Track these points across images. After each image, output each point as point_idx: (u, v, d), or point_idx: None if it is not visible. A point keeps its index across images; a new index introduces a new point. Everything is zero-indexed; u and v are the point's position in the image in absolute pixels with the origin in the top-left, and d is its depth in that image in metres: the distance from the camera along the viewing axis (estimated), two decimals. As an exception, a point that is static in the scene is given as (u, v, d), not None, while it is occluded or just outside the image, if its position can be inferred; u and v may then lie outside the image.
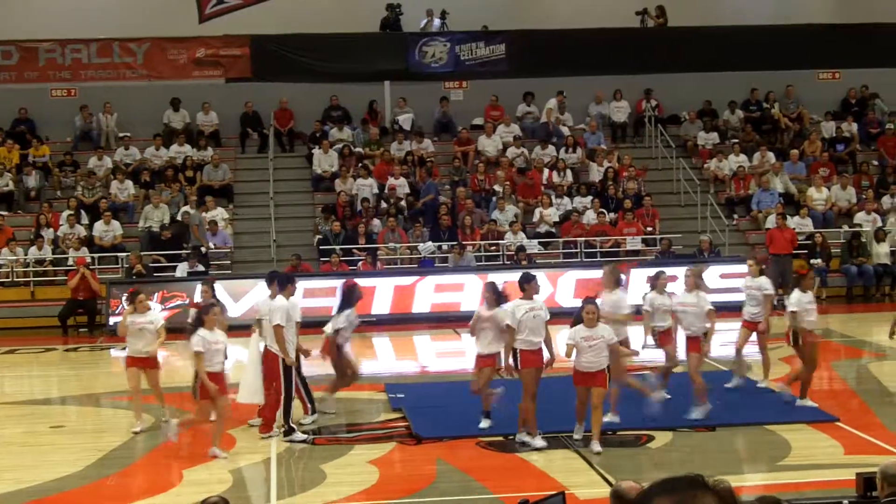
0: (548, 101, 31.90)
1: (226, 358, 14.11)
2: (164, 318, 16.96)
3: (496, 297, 14.39)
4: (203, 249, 26.50)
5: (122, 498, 12.27)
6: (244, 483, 12.73)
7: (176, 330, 17.36)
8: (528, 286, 14.00)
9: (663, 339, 15.83)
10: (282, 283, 15.28)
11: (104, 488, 12.58)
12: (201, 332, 13.66)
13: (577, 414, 13.71)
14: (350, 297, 16.17)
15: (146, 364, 15.25)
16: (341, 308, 16.00)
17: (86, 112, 30.89)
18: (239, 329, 24.08)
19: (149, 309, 15.87)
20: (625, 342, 14.82)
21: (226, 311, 15.67)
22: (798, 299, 15.50)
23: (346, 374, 16.09)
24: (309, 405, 15.55)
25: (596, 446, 13.27)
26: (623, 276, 16.50)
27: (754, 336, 17.28)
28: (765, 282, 17.00)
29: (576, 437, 13.75)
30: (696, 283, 15.78)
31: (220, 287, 24.80)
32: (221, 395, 13.69)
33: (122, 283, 25.30)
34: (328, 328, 15.82)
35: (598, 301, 14.06)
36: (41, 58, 30.48)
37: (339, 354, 15.75)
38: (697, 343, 15.18)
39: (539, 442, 13.54)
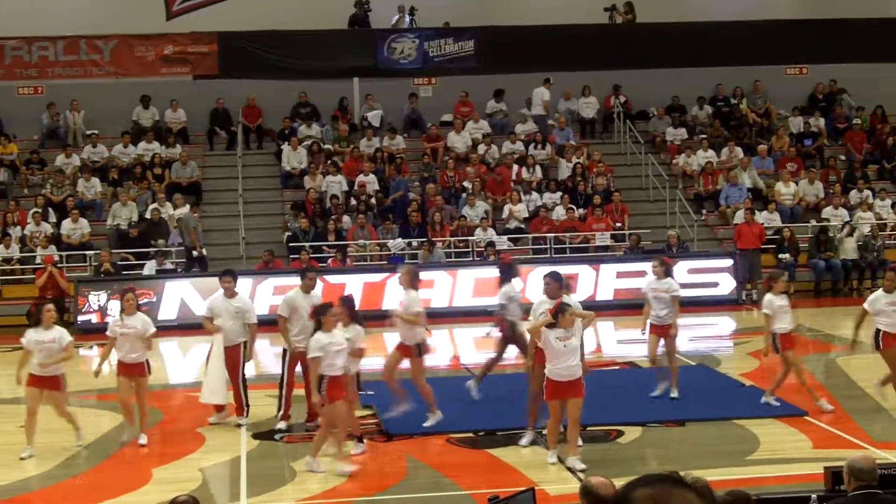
0: (535, 93, 31.93)
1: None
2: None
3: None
4: (195, 253, 26.31)
5: (90, 497, 12.21)
6: (214, 481, 12.69)
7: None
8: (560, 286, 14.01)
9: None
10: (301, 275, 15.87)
11: (72, 487, 12.50)
12: (318, 335, 12.67)
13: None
14: (509, 272, 16.28)
15: (135, 372, 14.38)
16: (501, 285, 16.01)
17: (53, 110, 30.71)
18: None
19: (135, 311, 14.56)
20: (423, 345, 14.53)
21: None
22: (770, 301, 15.48)
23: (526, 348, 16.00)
24: (245, 407, 15.27)
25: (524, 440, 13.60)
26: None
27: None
28: (673, 283, 16.25)
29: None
30: (665, 272, 16.09)
31: (188, 284, 24.84)
32: (339, 400, 12.78)
33: (90, 280, 25.19)
34: (499, 307, 15.95)
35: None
36: (7, 55, 30.27)
37: (512, 332, 15.68)
38: (667, 330, 15.64)
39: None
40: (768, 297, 15.61)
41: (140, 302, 23.65)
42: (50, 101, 30.75)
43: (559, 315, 12.45)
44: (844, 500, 8.15)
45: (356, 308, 13.97)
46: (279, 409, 15.12)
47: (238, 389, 15.22)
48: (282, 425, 14.98)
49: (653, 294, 16.14)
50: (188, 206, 27.60)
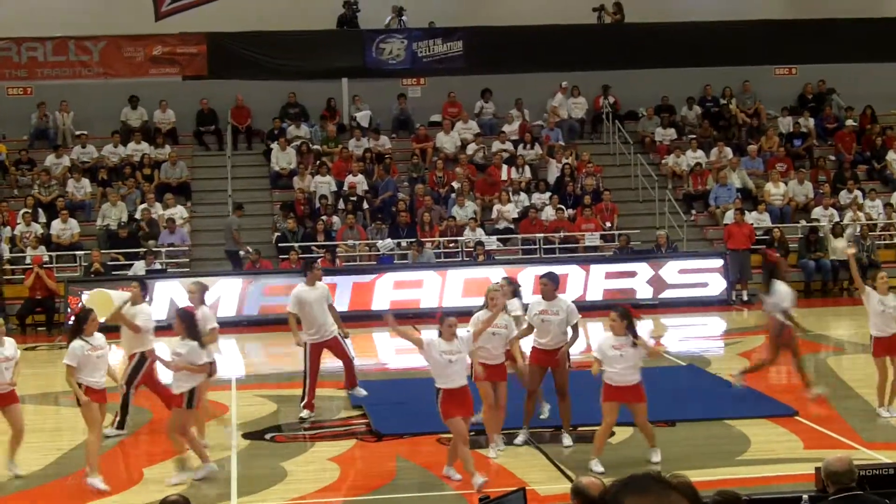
0: (553, 98, 31.95)
1: None
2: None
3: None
4: (242, 253, 26.38)
5: (82, 497, 12.18)
6: (204, 481, 12.64)
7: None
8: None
9: None
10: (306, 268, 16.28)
11: (64, 487, 12.46)
12: (436, 342, 12.38)
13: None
14: (774, 272, 16.20)
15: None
16: (767, 283, 16.01)
17: (42, 110, 30.64)
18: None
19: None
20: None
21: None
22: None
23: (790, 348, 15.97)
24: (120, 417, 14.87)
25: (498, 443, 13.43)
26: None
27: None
28: (515, 303, 14.43)
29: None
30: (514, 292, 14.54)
31: (178, 284, 24.78)
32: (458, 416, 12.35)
33: (80, 281, 25.14)
34: (770, 307, 15.80)
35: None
36: (-4, 56, 30.21)
37: (780, 330, 15.71)
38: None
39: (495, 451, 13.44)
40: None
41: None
42: (39, 101, 30.68)
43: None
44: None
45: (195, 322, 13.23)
46: (302, 399, 15.48)
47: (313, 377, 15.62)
48: (304, 413, 15.36)
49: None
50: (233, 210, 27.61)
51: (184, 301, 24.34)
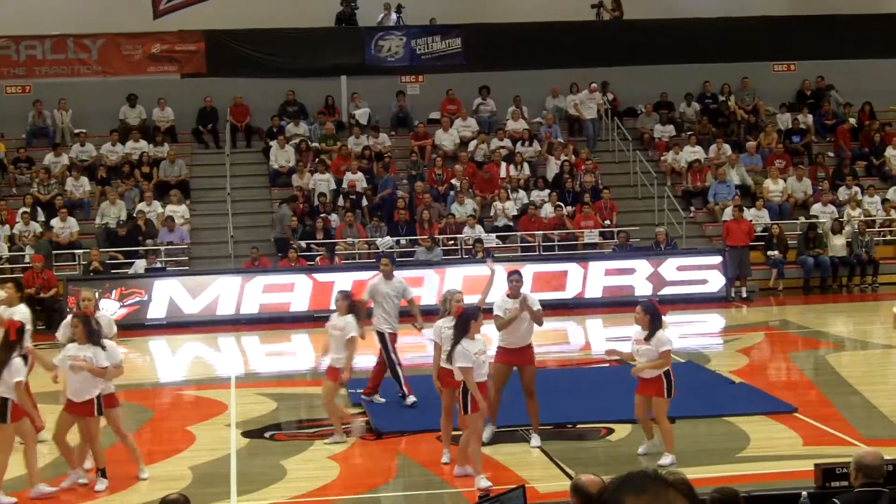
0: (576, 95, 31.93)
1: None
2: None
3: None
4: (294, 246, 26.39)
5: (82, 496, 12.18)
6: (204, 479, 12.66)
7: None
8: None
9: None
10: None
11: (63, 486, 12.44)
12: (464, 342, 12.02)
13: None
14: None
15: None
16: None
17: (37, 108, 30.61)
18: (201, 325, 24.09)
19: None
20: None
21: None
22: None
23: None
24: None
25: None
26: None
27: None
28: (351, 321, 14.05)
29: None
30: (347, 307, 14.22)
31: (177, 283, 24.81)
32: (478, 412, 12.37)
33: (79, 279, 25.15)
34: None
35: None
36: (-6, 54, 30.19)
37: None
38: (336, 372, 14.07)
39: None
40: None
41: (131, 301, 23.83)
42: (37, 99, 30.66)
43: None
44: (852, 495, 8.14)
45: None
46: (400, 391, 15.79)
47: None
48: (410, 399, 15.63)
49: (330, 331, 14.24)
50: (285, 205, 27.63)
51: (186, 299, 24.46)
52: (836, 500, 8.18)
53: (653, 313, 12.64)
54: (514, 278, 13.70)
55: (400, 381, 15.81)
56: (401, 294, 16.17)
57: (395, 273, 16.49)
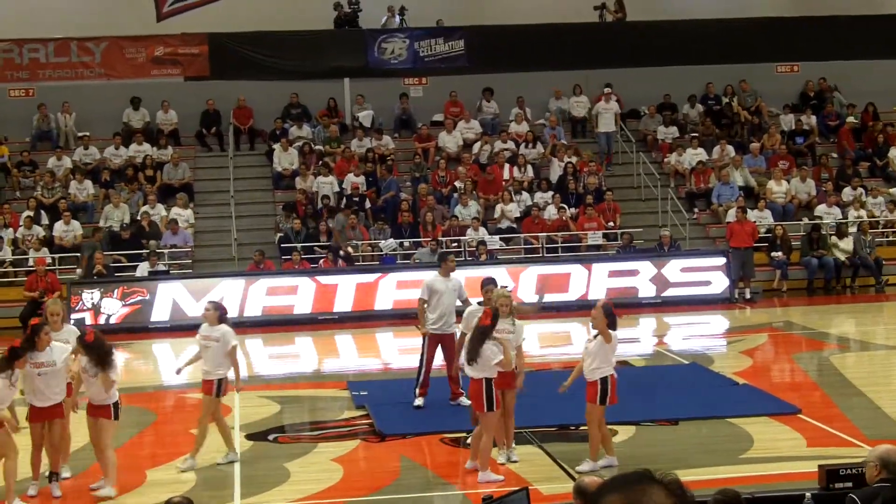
0: (594, 108, 31.56)
1: None
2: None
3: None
4: (342, 253, 26.43)
5: (85, 499, 12.17)
6: (208, 482, 12.66)
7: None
8: None
9: None
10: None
11: (67, 489, 12.45)
12: (488, 344, 12.24)
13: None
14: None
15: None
16: None
17: (42, 111, 30.64)
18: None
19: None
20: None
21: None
22: None
23: None
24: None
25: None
26: None
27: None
28: (228, 331, 13.50)
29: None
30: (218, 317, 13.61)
31: (181, 286, 24.80)
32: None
33: (82, 282, 25.17)
34: None
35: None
36: (-2, 58, 30.23)
37: None
38: (212, 385, 13.36)
39: None
40: None
41: (133, 300, 23.84)
42: (41, 102, 30.68)
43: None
44: (873, 490, 8.12)
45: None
46: (416, 386, 15.70)
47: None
48: (419, 402, 15.59)
49: (203, 343, 13.51)
50: (340, 213, 27.68)
51: (189, 302, 24.44)
52: (853, 496, 8.15)
53: (610, 316, 12.54)
54: (503, 301, 12.91)
55: (421, 376, 15.75)
56: (456, 293, 15.94)
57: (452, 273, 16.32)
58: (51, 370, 12.16)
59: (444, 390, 15.95)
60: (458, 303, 15.98)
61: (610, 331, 12.45)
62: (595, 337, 12.51)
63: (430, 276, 16.31)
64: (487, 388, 12.14)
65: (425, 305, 15.92)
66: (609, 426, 14.24)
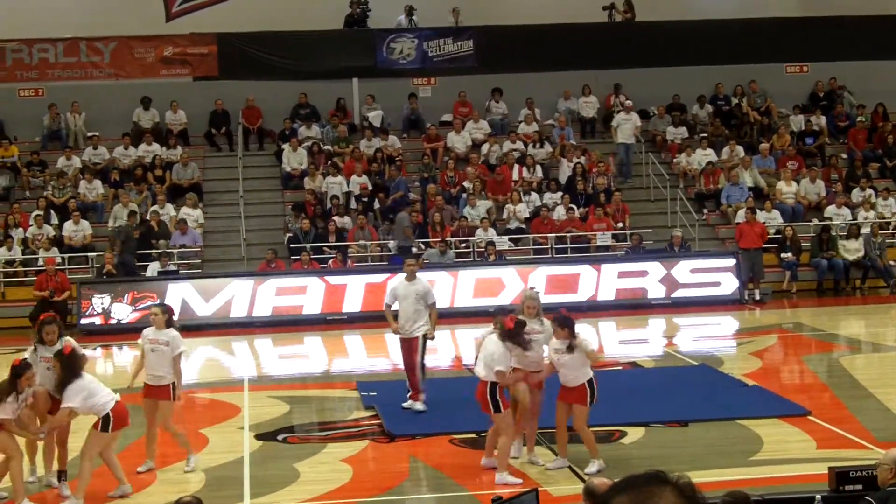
0: (613, 120, 30.95)
1: None
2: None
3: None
4: (414, 250, 26.39)
5: (96, 498, 12.18)
6: (218, 482, 12.67)
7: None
8: None
9: None
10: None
11: (77, 489, 12.45)
12: (508, 346, 12.35)
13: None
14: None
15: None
16: None
17: (53, 111, 30.69)
18: (214, 328, 24.13)
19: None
20: None
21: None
22: None
23: None
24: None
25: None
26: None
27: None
28: (176, 335, 13.28)
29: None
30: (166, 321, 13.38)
31: (190, 286, 24.82)
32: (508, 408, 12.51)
33: (92, 282, 25.21)
34: None
35: None
36: (8, 58, 30.30)
37: None
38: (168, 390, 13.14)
39: None
40: None
41: (143, 305, 23.85)
42: (50, 102, 30.73)
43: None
44: (889, 492, 8.10)
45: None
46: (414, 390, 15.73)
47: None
48: (410, 403, 15.55)
49: (150, 346, 13.23)
50: (403, 212, 27.65)
51: (199, 302, 24.45)
52: (869, 499, 8.13)
53: (569, 325, 12.47)
54: (530, 303, 13.03)
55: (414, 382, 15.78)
56: (420, 298, 15.72)
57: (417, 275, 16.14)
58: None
59: (451, 391, 15.95)
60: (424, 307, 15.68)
61: (576, 337, 12.38)
62: (568, 349, 12.40)
63: (396, 280, 16.15)
64: (492, 391, 12.15)
65: (391, 310, 15.92)
66: (618, 427, 14.27)
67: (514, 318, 12.46)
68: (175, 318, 13.96)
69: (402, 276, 16.18)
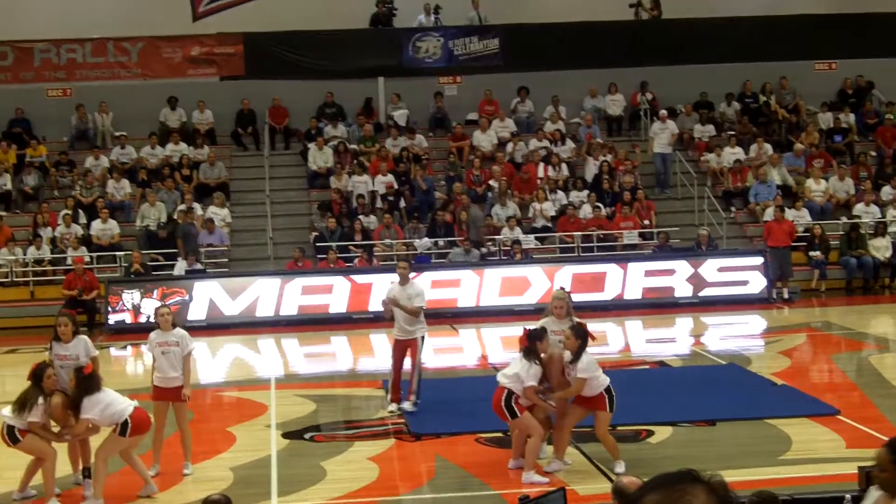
0: (650, 129, 30.65)
1: None
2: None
3: None
4: (484, 249, 26.55)
5: (122, 496, 12.22)
6: (245, 480, 12.69)
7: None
8: None
9: None
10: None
11: (105, 486, 12.48)
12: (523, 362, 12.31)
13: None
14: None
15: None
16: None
17: (81, 111, 30.85)
18: (240, 326, 24.19)
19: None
20: None
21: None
22: None
23: None
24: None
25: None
26: None
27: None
28: (185, 335, 13.27)
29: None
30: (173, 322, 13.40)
31: (217, 285, 24.89)
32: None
33: (120, 281, 25.32)
34: None
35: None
36: (37, 58, 30.45)
37: None
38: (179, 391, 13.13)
39: None
40: None
41: (172, 301, 23.94)
42: (78, 102, 30.89)
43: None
44: None
45: None
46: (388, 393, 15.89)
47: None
48: (392, 407, 15.64)
49: (159, 349, 13.13)
50: (475, 205, 27.88)
51: (226, 300, 24.51)
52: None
53: (583, 337, 12.34)
54: (558, 304, 13.07)
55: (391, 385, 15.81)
56: (410, 300, 15.56)
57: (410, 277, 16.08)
58: (74, 364, 12.32)
59: (477, 390, 15.91)
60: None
61: (580, 358, 12.20)
62: (573, 362, 12.32)
63: (392, 284, 16.07)
64: (507, 399, 12.13)
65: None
66: (646, 426, 14.22)
67: (526, 331, 12.43)
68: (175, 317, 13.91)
69: (396, 280, 16.06)
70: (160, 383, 13.10)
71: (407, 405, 15.61)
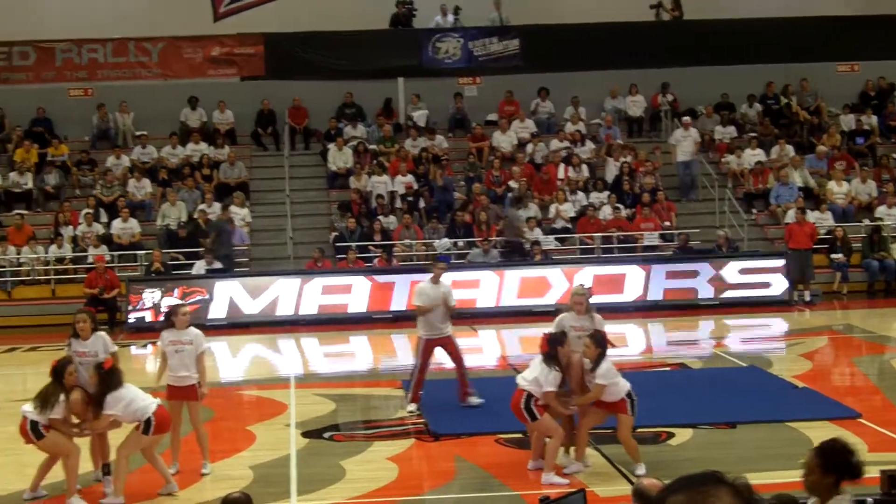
0: (671, 137, 30.34)
1: None
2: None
3: None
4: (527, 247, 26.58)
5: (142, 494, 12.24)
6: (265, 479, 12.70)
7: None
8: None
9: None
10: None
11: (126, 484, 12.51)
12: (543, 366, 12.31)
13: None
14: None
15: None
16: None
17: (102, 111, 30.96)
18: (260, 325, 24.23)
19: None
20: None
21: None
22: None
23: None
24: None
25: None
26: None
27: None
28: (199, 334, 13.29)
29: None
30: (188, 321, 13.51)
31: (237, 284, 24.92)
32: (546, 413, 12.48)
33: (141, 280, 25.39)
34: None
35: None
36: (58, 58, 30.55)
37: None
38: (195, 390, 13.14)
39: None
40: None
41: (192, 300, 23.98)
42: (99, 102, 31.01)
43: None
44: None
45: None
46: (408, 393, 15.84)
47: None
48: (411, 407, 15.57)
49: (172, 348, 13.13)
50: (512, 208, 27.90)
51: (246, 300, 24.53)
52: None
53: (602, 346, 12.32)
54: (578, 299, 13.22)
55: (413, 382, 15.77)
56: (443, 300, 15.69)
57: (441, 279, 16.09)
58: (92, 360, 12.33)
59: (497, 391, 15.87)
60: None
61: (598, 366, 12.20)
62: (592, 370, 12.30)
63: (423, 282, 16.12)
64: (527, 401, 12.12)
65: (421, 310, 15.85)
66: (666, 428, 14.17)
67: (547, 336, 12.41)
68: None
69: (427, 279, 16.09)
70: (172, 382, 13.11)
71: (474, 399, 15.65)
